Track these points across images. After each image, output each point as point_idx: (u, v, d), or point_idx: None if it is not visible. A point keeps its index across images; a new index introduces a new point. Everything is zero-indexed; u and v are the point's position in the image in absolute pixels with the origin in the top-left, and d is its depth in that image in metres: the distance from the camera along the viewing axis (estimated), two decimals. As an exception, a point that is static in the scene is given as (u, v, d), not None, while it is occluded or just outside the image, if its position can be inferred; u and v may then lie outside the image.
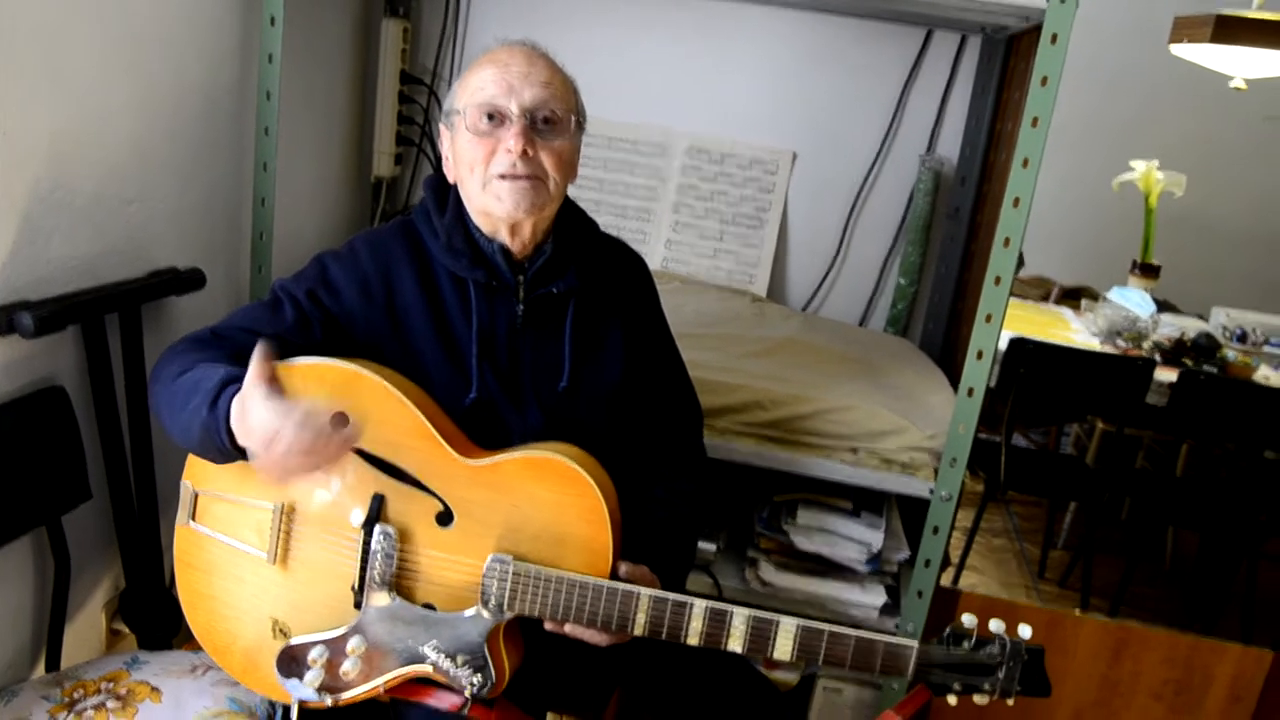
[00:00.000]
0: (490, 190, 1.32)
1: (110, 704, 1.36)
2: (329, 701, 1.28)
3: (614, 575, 1.25)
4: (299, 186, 2.26)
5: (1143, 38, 3.73)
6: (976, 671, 1.17)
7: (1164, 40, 3.03)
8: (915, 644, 1.18)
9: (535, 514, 1.25)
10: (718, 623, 1.21)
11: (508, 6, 2.57)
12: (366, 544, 1.26)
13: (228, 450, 1.15)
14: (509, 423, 1.37)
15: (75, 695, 1.38)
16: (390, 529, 1.26)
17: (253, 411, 1.10)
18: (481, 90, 1.31)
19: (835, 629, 1.19)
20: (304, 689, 1.27)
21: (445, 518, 1.27)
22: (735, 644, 1.21)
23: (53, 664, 1.55)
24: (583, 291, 1.43)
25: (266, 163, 1.97)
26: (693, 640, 1.21)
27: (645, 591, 1.22)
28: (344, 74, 2.48)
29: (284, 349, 1.30)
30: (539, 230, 1.39)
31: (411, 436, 1.27)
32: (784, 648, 1.19)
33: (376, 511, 1.26)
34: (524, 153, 1.29)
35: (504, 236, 1.37)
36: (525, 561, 1.24)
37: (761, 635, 1.20)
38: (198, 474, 1.32)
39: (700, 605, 1.21)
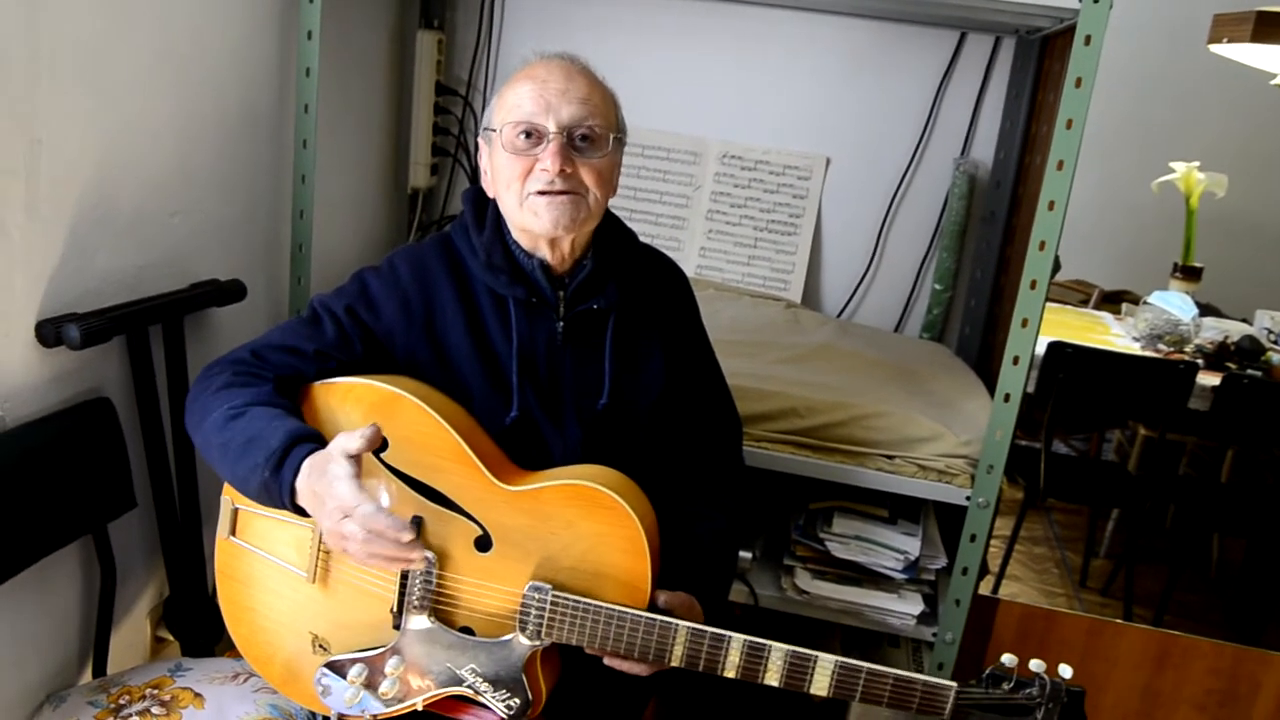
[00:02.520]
0: (528, 207, 1.30)
1: (155, 710, 1.38)
2: (367, 715, 1.30)
3: (652, 604, 1.25)
4: (337, 198, 2.29)
5: (1180, 37, 3.68)
6: (1015, 713, 1.16)
7: (1202, 39, 2.99)
8: (954, 685, 1.17)
9: (574, 543, 1.25)
10: (755, 657, 1.20)
11: (540, 16, 2.59)
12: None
13: (287, 508, 1.18)
14: (549, 440, 1.37)
15: (121, 701, 1.40)
16: (429, 553, 1.26)
17: (334, 485, 1.11)
18: (519, 108, 1.29)
19: (874, 667, 1.18)
20: (342, 704, 1.29)
21: (484, 543, 1.27)
22: (772, 678, 1.20)
23: (99, 670, 1.58)
24: (623, 307, 1.41)
25: (305, 175, 2.00)
26: (729, 673, 1.21)
27: (683, 624, 1.21)
28: (380, 86, 2.51)
29: (325, 365, 1.32)
30: (579, 245, 1.38)
31: (450, 460, 1.27)
32: (821, 684, 1.19)
33: (415, 535, 1.27)
34: (561, 171, 1.27)
35: (544, 252, 1.36)
36: (565, 590, 1.24)
37: (799, 671, 1.20)
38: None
39: (738, 640, 1.20)
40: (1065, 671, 1.16)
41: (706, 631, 1.21)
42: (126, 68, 1.52)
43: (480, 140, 1.40)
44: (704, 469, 1.50)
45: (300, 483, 1.15)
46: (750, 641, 1.20)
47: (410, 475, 1.27)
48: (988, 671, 1.18)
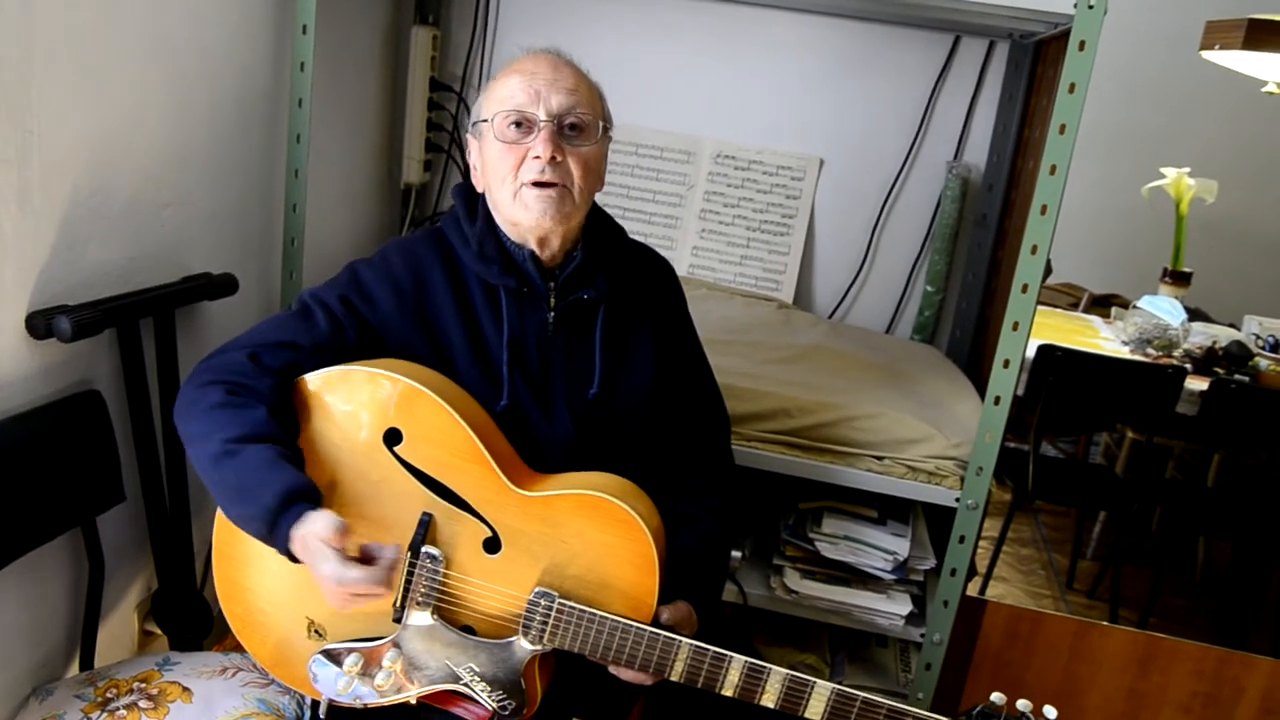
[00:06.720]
0: (519, 200, 1.32)
1: (142, 703, 1.38)
2: (359, 704, 1.29)
3: (655, 620, 1.26)
4: (330, 193, 2.29)
5: (1173, 44, 3.69)
6: None
7: (1195, 46, 3.00)
8: None
9: (584, 553, 1.26)
10: (754, 678, 1.22)
11: (535, 14, 2.59)
12: (412, 563, 1.27)
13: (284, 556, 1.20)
14: (539, 429, 1.37)
15: (108, 694, 1.40)
16: (436, 551, 1.26)
17: (321, 568, 1.15)
18: (509, 99, 1.32)
19: (868, 697, 1.20)
20: (334, 691, 1.29)
21: (493, 545, 1.27)
22: (769, 700, 1.22)
23: (86, 663, 1.57)
24: (612, 297, 1.43)
25: (298, 169, 2.00)
26: (727, 691, 1.23)
27: (686, 642, 1.23)
28: (374, 81, 2.50)
29: (322, 357, 1.32)
30: (568, 239, 1.40)
31: (465, 459, 1.27)
32: (816, 709, 1.21)
33: (424, 532, 1.27)
34: (552, 158, 1.30)
35: (533, 245, 1.38)
36: (570, 599, 1.25)
37: (795, 695, 1.22)
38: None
39: (739, 661, 1.22)
40: (1050, 713, 1.20)
41: (708, 650, 1.22)
42: (121, 59, 1.52)
43: (469, 136, 1.42)
44: (692, 460, 1.52)
45: (295, 548, 1.17)
46: (750, 663, 1.22)
47: (424, 471, 1.27)
48: (977, 709, 1.21)
